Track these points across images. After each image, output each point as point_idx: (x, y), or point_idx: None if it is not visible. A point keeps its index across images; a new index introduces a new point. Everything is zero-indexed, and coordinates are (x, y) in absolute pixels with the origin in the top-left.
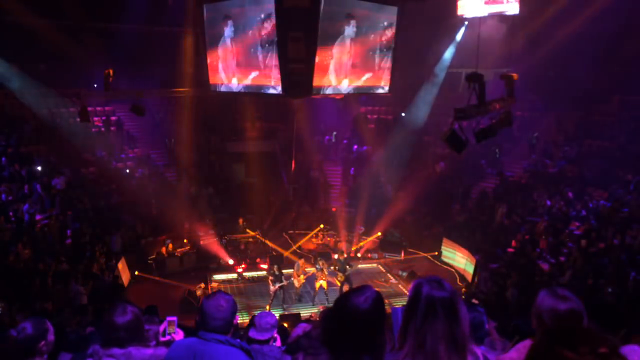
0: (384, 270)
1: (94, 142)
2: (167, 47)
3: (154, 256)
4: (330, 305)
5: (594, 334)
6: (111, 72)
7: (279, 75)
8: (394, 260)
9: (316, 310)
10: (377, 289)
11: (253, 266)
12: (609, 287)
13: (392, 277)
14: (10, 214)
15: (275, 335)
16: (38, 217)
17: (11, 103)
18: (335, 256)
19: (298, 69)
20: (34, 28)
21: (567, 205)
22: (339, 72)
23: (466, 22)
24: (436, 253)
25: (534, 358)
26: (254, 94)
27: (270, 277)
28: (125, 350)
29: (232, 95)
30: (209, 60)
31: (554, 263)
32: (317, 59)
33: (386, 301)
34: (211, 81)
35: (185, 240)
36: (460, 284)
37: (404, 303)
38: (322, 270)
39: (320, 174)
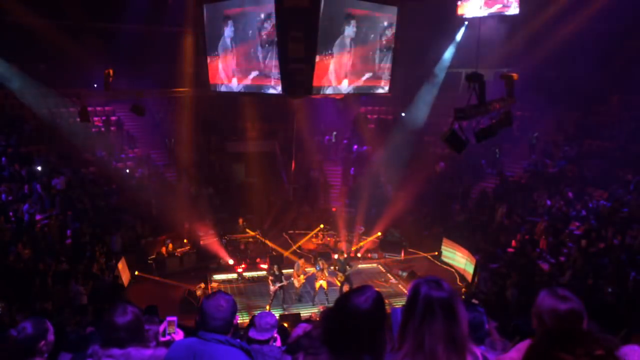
0: (384, 270)
1: (94, 142)
2: (167, 47)
3: (154, 256)
4: (331, 305)
5: (590, 336)
6: (111, 72)
7: (279, 75)
8: (394, 260)
9: (316, 310)
10: (377, 289)
11: (253, 266)
12: (609, 287)
13: (392, 277)
14: (10, 214)
15: (276, 335)
16: (38, 217)
17: (11, 103)
18: (335, 256)
19: (298, 69)
20: (34, 28)
21: (567, 205)
22: (339, 72)
23: (466, 22)
24: (436, 253)
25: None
26: (254, 94)
27: (270, 277)
28: (124, 351)
29: (232, 95)
30: (208, 60)
31: (554, 263)
32: (317, 59)
33: (386, 301)
34: (211, 81)
35: (185, 240)
36: (460, 284)
37: (404, 303)
38: (322, 270)
39: (320, 174)
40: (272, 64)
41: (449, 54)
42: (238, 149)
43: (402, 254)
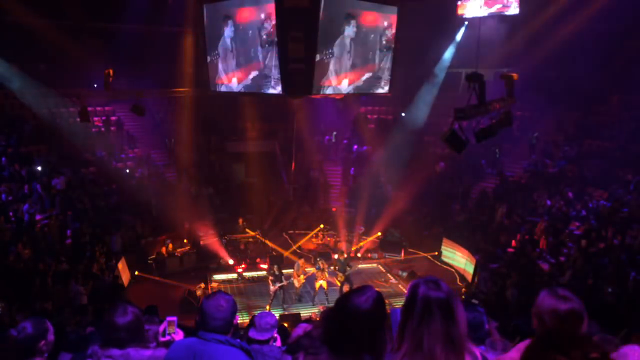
0: (384, 270)
1: (94, 142)
2: (167, 47)
3: (154, 256)
4: (331, 305)
5: (586, 339)
6: (111, 72)
7: (279, 75)
8: (394, 260)
9: (316, 310)
10: (377, 289)
11: (253, 266)
12: (609, 287)
13: (392, 277)
14: (10, 214)
15: (276, 335)
16: (38, 217)
17: (11, 103)
18: (335, 256)
19: (298, 69)
20: (34, 28)
21: (567, 205)
22: (339, 72)
23: (466, 22)
24: (436, 253)
25: None
26: (254, 94)
27: (270, 277)
28: (123, 352)
29: (232, 95)
30: (208, 60)
31: (554, 263)
32: (317, 59)
33: (386, 301)
34: (211, 81)
35: (185, 240)
36: (460, 284)
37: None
38: (322, 270)
39: (320, 174)
40: (272, 64)
41: (449, 54)
42: (238, 149)
43: (402, 254)
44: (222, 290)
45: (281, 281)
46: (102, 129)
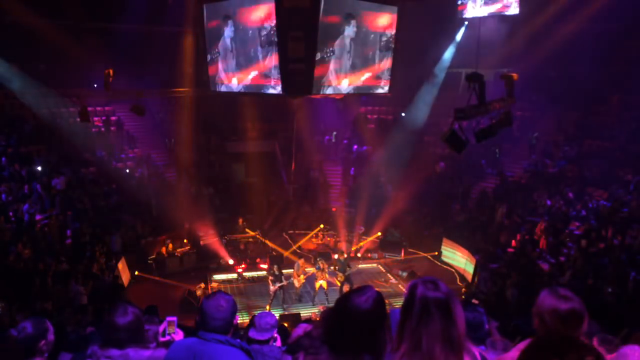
0: (384, 270)
1: (94, 142)
2: (167, 47)
3: (154, 256)
4: (331, 305)
5: (581, 343)
6: (111, 72)
7: (279, 75)
8: (394, 260)
9: (316, 311)
10: (377, 289)
11: (253, 266)
12: (609, 287)
13: (392, 277)
14: (10, 214)
15: (276, 335)
16: (38, 217)
17: (11, 103)
18: (335, 256)
19: (298, 69)
20: (34, 28)
21: (567, 205)
22: (339, 72)
23: (466, 22)
24: (436, 253)
25: None
26: (254, 94)
27: (270, 277)
28: (123, 352)
29: (232, 95)
30: (208, 60)
31: (554, 263)
32: (317, 58)
33: (386, 301)
34: (211, 81)
35: (185, 240)
36: (460, 284)
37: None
38: (322, 270)
39: (320, 174)
40: (272, 64)
41: (449, 54)
42: (238, 149)
43: (402, 254)
44: (222, 290)
45: (281, 281)
46: (102, 129)
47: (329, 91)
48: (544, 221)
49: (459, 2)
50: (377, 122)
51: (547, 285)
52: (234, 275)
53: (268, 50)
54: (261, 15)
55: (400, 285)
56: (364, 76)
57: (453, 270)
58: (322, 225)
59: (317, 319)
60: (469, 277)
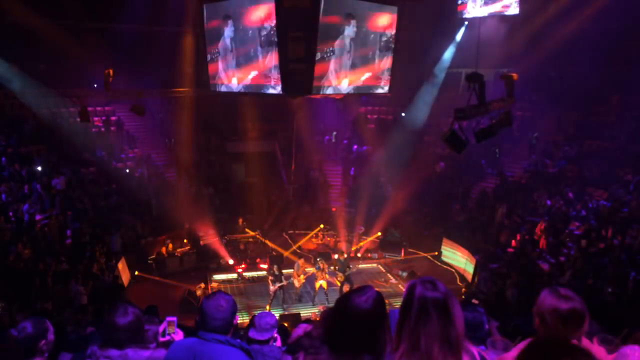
0: (384, 270)
1: (94, 142)
2: (167, 47)
3: (154, 256)
4: (331, 305)
5: (576, 347)
6: (111, 72)
7: (279, 75)
8: (394, 260)
9: (316, 311)
10: (377, 289)
11: (253, 266)
12: (609, 287)
13: (392, 277)
14: (10, 214)
15: (276, 335)
16: (38, 217)
17: (11, 103)
18: (336, 256)
19: (298, 69)
20: (34, 28)
21: (567, 205)
22: (339, 72)
23: (466, 22)
24: (436, 253)
25: None
26: (254, 94)
27: (270, 277)
28: (122, 352)
29: (232, 95)
30: (208, 60)
31: (554, 263)
32: (317, 58)
33: (386, 301)
34: (211, 81)
35: (185, 240)
36: (460, 284)
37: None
38: (322, 270)
39: (320, 174)
40: (272, 63)
41: (449, 54)
42: (238, 149)
43: (402, 254)
44: (222, 290)
45: (281, 281)
46: (102, 129)
47: (329, 91)
48: (544, 221)
49: (459, 2)
50: (377, 122)
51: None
52: (234, 275)
53: (268, 50)
54: (261, 15)
55: (400, 285)
56: (364, 76)
57: (453, 270)
58: (322, 225)
59: (317, 319)
60: (469, 277)
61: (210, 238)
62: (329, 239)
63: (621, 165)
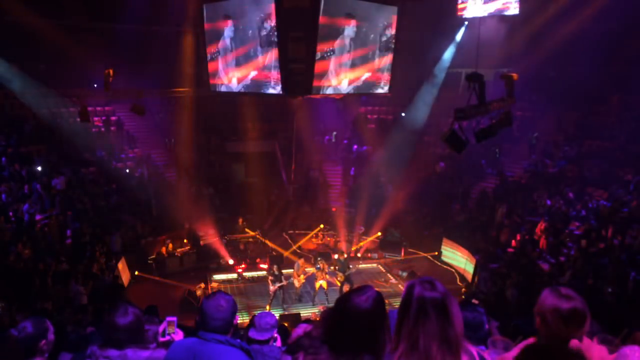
0: (384, 270)
1: (94, 142)
2: (167, 47)
3: (154, 256)
4: (331, 305)
5: (570, 351)
6: (111, 72)
7: (279, 75)
8: (394, 260)
9: (316, 310)
10: (377, 289)
11: (253, 266)
12: (609, 287)
13: (392, 277)
14: (10, 214)
15: (276, 335)
16: (38, 217)
17: (11, 103)
18: (336, 256)
19: (298, 69)
20: (34, 28)
21: (567, 205)
22: (339, 72)
23: (466, 22)
24: (436, 253)
25: None
26: (254, 94)
27: (270, 277)
28: (121, 352)
29: (232, 95)
30: (208, 60)
31: (554, 263)
32: (317, 58)
33: (386, 301)
34: (211, 81)
35: (185, 240)
36: (460, 284)
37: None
38: (322, 270)
39: (320, 174)
40: (272, 64)
41: (449, 54)
42: (238, 149)
43: (402, 254)
44: (222, 290)
45: (281, 281)
46: (102, 129)
47: (329, 91)
48: (544, 221)
49: (459, 2)
50: (377, 122)
51: (547, 285)
52: (234, 275)
53: (268, 50)
54: (261, 15)
55: (400, 285)
56: (364, 76)
57: (453, 270)
58: (322, 225)
59: (317, 319)
60: (469, 277)
61: (210, 238)
62: (329, 239)
63: (621, 165)
